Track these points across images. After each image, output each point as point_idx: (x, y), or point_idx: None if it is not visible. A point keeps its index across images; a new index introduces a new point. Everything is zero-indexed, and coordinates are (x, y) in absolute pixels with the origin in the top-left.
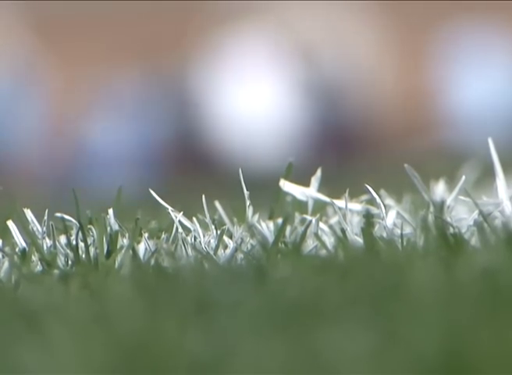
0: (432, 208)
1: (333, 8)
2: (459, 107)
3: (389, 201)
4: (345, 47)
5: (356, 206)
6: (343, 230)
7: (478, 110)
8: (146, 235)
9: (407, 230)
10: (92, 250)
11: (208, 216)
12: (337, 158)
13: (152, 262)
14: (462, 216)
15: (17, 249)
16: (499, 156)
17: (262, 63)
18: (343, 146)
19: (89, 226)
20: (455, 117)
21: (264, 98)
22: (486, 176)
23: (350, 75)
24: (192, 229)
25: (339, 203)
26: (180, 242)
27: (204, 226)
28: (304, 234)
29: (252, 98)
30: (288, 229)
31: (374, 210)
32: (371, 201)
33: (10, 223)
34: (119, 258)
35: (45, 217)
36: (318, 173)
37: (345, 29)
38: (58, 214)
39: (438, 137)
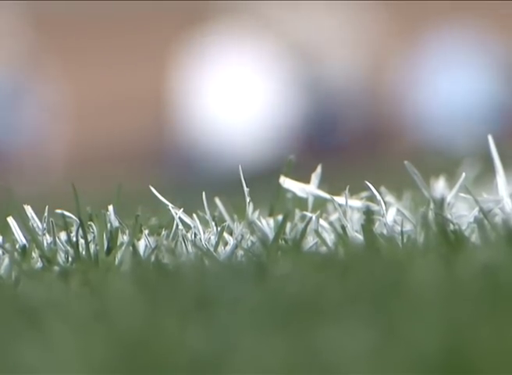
0: (432, 205)
1: (331, 7)
2: (444, 105)
3: (390, 198)
4: (343, 46)
5: (356, 203)
6: (344, 227)
7: (464, 109)
8: (146, 232)
9: (408, 226)
10: (92, 246)
11: (208, 212)
12: (337, 156)
13: (152, 258)
14: (462, 212)
15: (17, 246)
16: (487, 154)
17: (254, 62)
18: (343, 144)
19: (89, 223)
20: (444, 115)
21: (257, 97)
22: (486, 173)
23: (348, 74)
24: (192, 225)
25: (340, 200)
26: (180, 239)
27: (205, 223)
28: (304, 231)
29: (244, 97)
30: (288, 226)
31: (374, 207)
32: (372, 198)
33: (10, 220)
34: (119, 255)
35: (45, 214)
36: (318, 169)
37: (343, 28)
38: (59, 210)
39: (437, 135)
